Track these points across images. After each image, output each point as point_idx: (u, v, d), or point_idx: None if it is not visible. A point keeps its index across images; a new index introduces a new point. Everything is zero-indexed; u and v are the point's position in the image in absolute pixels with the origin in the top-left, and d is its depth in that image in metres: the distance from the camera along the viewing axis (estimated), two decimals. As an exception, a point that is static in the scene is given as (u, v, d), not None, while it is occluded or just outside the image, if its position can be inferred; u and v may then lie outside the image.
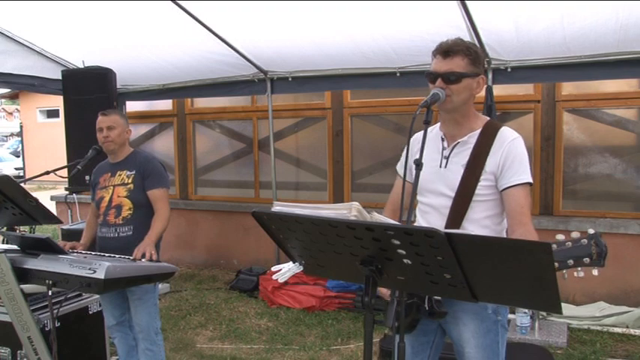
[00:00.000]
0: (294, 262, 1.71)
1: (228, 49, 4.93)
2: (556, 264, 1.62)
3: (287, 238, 1.57)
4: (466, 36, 3.94)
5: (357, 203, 1.45)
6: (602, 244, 1.66)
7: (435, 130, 2.12)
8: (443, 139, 2.07)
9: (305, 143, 6.27)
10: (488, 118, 2.09)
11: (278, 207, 1.54)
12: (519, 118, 5.13)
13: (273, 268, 2.47)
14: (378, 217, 1.50)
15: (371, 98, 5.76)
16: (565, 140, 4.99)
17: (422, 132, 1.92)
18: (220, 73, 5.46)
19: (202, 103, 6.70)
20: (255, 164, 6.43)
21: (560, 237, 1.68)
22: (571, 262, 1.64)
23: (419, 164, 1.77)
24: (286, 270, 2.32)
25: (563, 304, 1.36)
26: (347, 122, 5.85)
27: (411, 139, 2.12)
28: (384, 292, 1.99)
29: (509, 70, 4.36)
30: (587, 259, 1.65)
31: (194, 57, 5.16)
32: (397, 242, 1.33)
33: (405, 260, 1.37)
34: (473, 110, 2.05)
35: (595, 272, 1.67)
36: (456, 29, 3.87)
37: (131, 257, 2.77)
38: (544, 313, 4.31)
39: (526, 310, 4.11)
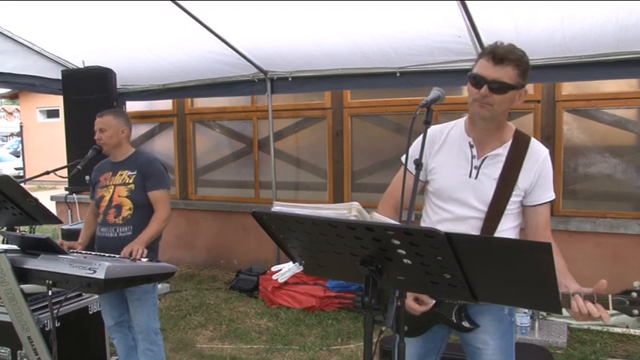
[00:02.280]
0: (294, 262, 1.71)
1: (228, 49, 4.93)
2: (636, 311, 1.61)
3: (287, 238, 1.57)
4: (466, 36, 3.94)
5: (357, 203, 1.45)
6: None
7: (458, 132, 2.04)
8: (472, 146, 1.99)
9: (305, 143, 6.27)
10: (514, 127, 2.03)
11: (278, 207, 1.54)
12: (519, 118, 5.13)
13: (273, 268, 2.46)
14: (378, 217, 1.50)
15: (371, 98, 5.76)
16: (565, 140, 4.98)
17: (434, 128, 1.89)
18: (220, 73, 5.46)
19: (202, 103, 6.70)
20: (255, 164, 6.43)
21: (637, 283, 1.66)
22: (636, 312, 1.63)
23: (419, 164, 1.76)
24: (286, 270, 2.32)
25: (563, 304, 1.36)
26: (347, 122, 5.85)
27: (429, 135, 1.98)
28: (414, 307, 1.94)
29: (509, 70, 4.35)
30: None
31: (194, 57, 5.16)
32: (397, 242, 1.33)
33: (405, 260, 1.37)
34: (506, 120, 2.00)
35: None
36: (456, 29, 3.87)
37: (120, 255, 2.77)
38: (544, 313, 4.31)
39: (526, 310, 4.11)
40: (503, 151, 1.96)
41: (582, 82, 4.76)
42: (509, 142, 1.97)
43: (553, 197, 1.97)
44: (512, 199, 1.94)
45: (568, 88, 4.95)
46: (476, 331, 2.00)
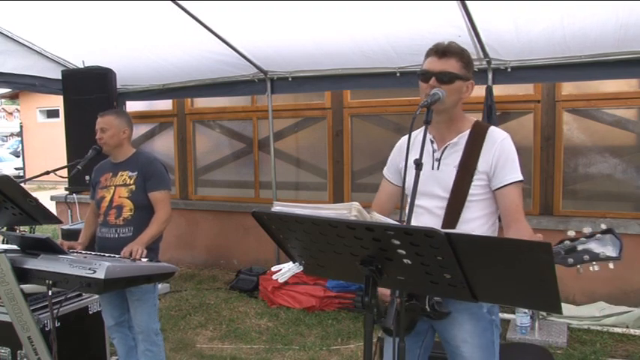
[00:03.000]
0: (294, 262, 1.71)
1: (228, 49, 4.93)
2: (571, 259, 1.62)
3: (287, 238, 1.57)
4: (466, 36, 3.94)
5: (357, 203, 1.45)
6: (618, 238, 1.65)
7: (421, 134, 2.13)
8: (432, 142, 2.09)
9: (305, 143, 6.27)
10: (475, 119, 2.12)
11: (278, 207, 1.54)
12: (519, 118, 5.13)
13: (273, 268, 2.47)
14: (378, 217, 1.50)
15: (371, 98, 5.76)
16: (565, 140, 4.98)
17: (404, 138, 1.94)
18: (220, 73, 5.45)
19: (202, 103, 6.70)
20: (255, 164, 6.43)
21: (572, 233, 1.66)
22: (587, 257, 1.63)
23: (419, 164, 1.78)
24: (286, 270, 2.32)
25: (563, 304, 1.36)
26: (347, 122, 5.85)
27: (395, 148, 2.17)
28: (383, 292, 1.99)
29: (509, 70, 4.36)
30: (603, 254, 1.64)
31: (194, 57, 5.16)
32: (397, 242, 1.33)
33: (405, 260, 1.37)
34: (461, 112, 2.08)
35: (611, 265, 1.66)
36: (456, 29, 3.87)
37: (120, 255, 2.78)
38: (544, 313, 4.31)
39: (526, 310, 4.11)
40: (460, 140, 2.04)
41: (582, 82, 4.77)
42: (467, 132, 2.05)
43: (519, 178, 1.98)
44: (475, 183, 1.98)
45: (568, 88, 4.95)
46: (454, 329, 2.01)
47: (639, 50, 3.92)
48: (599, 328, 4.29)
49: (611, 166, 4.89)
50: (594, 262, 1.65)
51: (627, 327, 4.26)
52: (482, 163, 1.98)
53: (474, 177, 1.98)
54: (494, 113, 4.30)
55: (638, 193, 4.82)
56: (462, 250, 1.29)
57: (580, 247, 1.63)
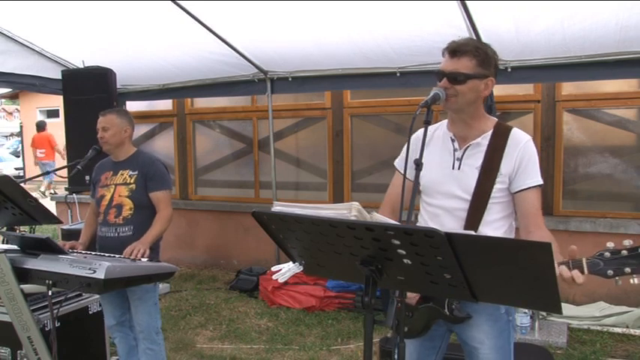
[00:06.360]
0: (294, 262, 1.71)
1: (228, 49, 4.93)
2: (610, 271, 1.60)
3: (287, 238, 1.57)
4: (466, 36, 3.94)
5: (357, 203, 1.45)
6: None
7: (442, 130, 2.10)
8: (453, 140, 2.04)
9: (305, 143, 6.27)
10: (496, 120, 2.07)
11: (278, 207, 1.54)
12: (519, 118, 5.13)
13: (273, 268, 2.47)
14: (378, 217, 1.50)
15: (371, 98, 5.76)
16: (565, 140, 4.98)
17: (422, 130, 1.92)
18: (220, 73, 5.46)
19: (202, 103, 6.70)
20: (255, 164, 6.43)
21: (611, 244, 1.65)
22: (628, 269, 1.61)
23: (419, 164, 1.77)
24: (286, 270, 2.32)
25: (563, 304, 1.35)
26: (347, 122, 5.85)
27: (412, 139, 2.10)
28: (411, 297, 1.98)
29: (509, 70, 4.36)
30: None
31: (194, 57, 5.16)
32: (397, 242, 1.33)
33: (405, 260, 1.37)
34: (482, 111, 2.04)
35: None
36: (456, 29, 3.87)
37: (122, 255, 2.77)
38: (544, 313, 4.31)
39: (526, 310, 4.11)
40: (483, 140, 2.00)
41: (582, 82, 4.76)
42: (490, 132, 2.01)
43: (539, 182, 1.95)
44: (497, 186, 1.95)
45: (568, 88, 4.95)
46: (472, 330, 2.00)
47: (639, 50, 3.92)
48: (599, 328, 4.29)
49: (611, 166, 4.89)
50: (634, 275, 1.63)
51: (627, 327, 4.26)
52: (505, 165, 1.95)
53: (497, 179, 1.95)
54: (494, 113, 4.29)
55: (638, 193, 4.82)
56: (462, 250, 1.28)
57: (620, 260, 1.61)
